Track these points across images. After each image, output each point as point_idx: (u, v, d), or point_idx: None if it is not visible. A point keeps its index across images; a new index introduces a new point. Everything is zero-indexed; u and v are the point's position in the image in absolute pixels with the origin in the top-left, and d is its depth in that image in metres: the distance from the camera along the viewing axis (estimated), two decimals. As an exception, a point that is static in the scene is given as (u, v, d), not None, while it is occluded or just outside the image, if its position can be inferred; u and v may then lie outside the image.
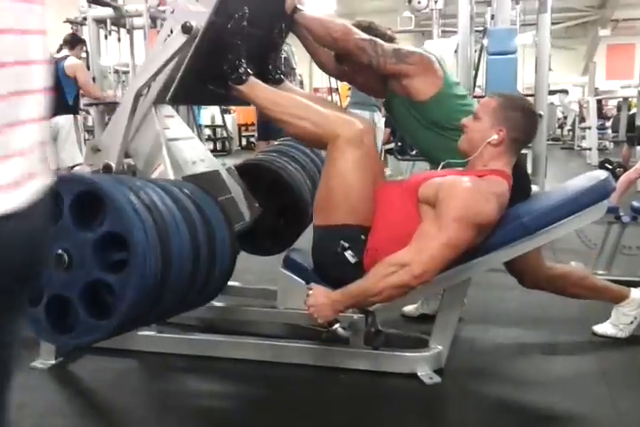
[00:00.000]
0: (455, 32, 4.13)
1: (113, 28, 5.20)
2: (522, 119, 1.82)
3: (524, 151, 2.10)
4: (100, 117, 5.24)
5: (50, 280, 1.58)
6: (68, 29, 5.67)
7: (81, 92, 4.95)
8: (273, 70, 2.13)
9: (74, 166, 4.72)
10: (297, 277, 1.95)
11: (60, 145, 4.95)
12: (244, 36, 1.87)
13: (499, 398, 1.84)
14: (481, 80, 5.27)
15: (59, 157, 4.95)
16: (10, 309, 0.64)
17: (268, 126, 5.57)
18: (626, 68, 17.19)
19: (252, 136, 11.84)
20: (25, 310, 0.74)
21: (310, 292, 1.74)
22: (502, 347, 2.20)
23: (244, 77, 1.88)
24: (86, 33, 5.29)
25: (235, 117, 12.78)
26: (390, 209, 1.82)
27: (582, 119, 11.00)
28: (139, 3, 4.91)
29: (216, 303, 2.29)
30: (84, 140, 5.36)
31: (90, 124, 7.37)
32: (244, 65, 1.88)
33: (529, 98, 2.42)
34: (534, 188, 3.37)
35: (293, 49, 6.15)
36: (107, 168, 1.96)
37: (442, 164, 1.92)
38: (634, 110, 8.92)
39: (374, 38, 1.99)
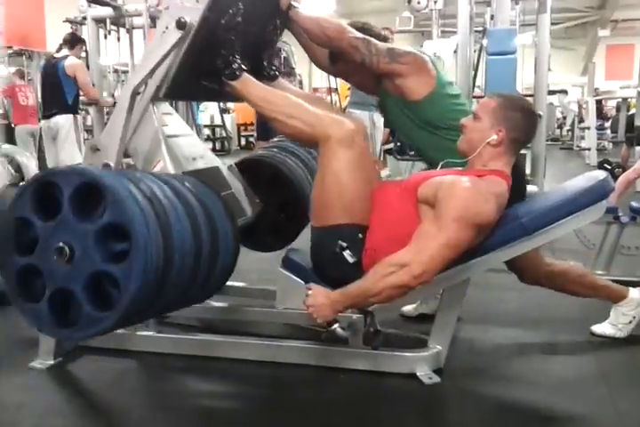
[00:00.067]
0: (455, 32, 4.13)
1: (112, 27, 5.20)
2: (521, 119, 1.82)
3: (523, 151, 2.10)
4: (100, 117, 5.24)
5: (51, 274, 1.58)
6: (67, 29, 5.68)
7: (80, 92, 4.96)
8: (268, 67, 2.13)
9: (73, 166, 4.72)
10: (296, 278, 1.95)
11: (60, 145, 4.95)
12: (239, 32, 1.87)
13: (498, 398, 1.84)
14: (480, 80, 5.27)
15: (58, 156, 4.95)
16: None
17: (267, 126, 5.55)
18: (625, 68, 17.19)
19: (252, 136, 11.83)
20: None
21: (309, 292, 1.74)
22: (501, 347, 2.20)
23: (237, 73, 1.88)
24: (86, 32, 5.29)
25: (234, 117, 12.77)
26: (389, 209, 1.82)
27: (581, 119, 11.01)
28: (138, 2, 4.91)
29: (215, 303, 2.29)
30: (84, 139, 5.37)
31: (89, 123, 7.37)
32: (238, 61, 1.88)
33: (528, 98, 2.42)
34: (533, 188, 3.38)
35: (293, 49, 6.15)
36: (106, 168, 1.96)
37: (441, 163, 1.92)
38: (633, 111, 8.92)
39: (368, 37, 2.00)
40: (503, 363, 2.09)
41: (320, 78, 12.03)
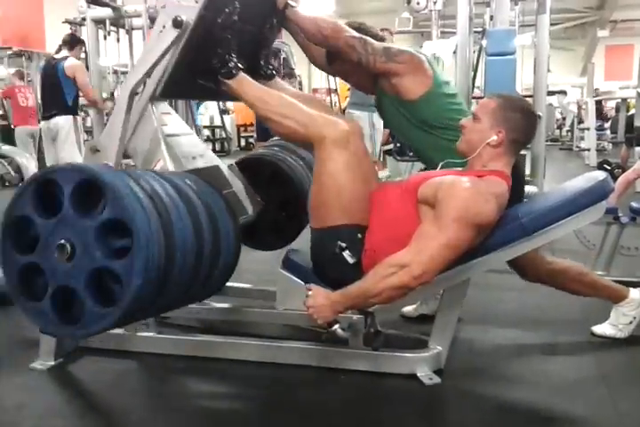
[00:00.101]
0: (454, 33, 4.13)
1: (112, 28, 5.19)
2: (521, 120, 1.82)
3: (522, 152, 2.10)
4: (99, 118, 5.24)
5: (53, 272, 1.58)
6: (67, 30, 5.68)
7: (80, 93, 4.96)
8: (264, 66, 2.14)
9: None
10: (296, 278, 1.95)
11: (60, 146, 4.95)
12: (235, 30, 1.88)
13: (498, 398, 1.84)
14: (480, 81, 5.27)
15: (58, 157, 4.95)
16: None
17: (267, 127, 5.57)
18: (624, 68, 17.20)
19: (251, 137, 11.82)
20: None
21: (309, 293, 1.74)
22: (501, 347, 2.20)
23: (233, 72, 1.89)
24: (85, 33, 5.28)
25: (233, 118, 12.77)
26: (389, 209, 1.82)
27: (580, 120, 11.02)
28: (138, 3, 4.91)
29: (215, 304, 2.29)
30: (84, 140, 5.36)
31: (89, 124, 7.37)
32: (235, 59, 1.89)
33: (527, 99, 2.42)
34: (533, 189, 3.38)
35: (292, 50, 6.15)
36: (106, 168, 1.96)
37: (441, 164, 1.92)
38: (632, 111, 8.93)
39: (364, 37, 2.01)
40: (503, 363, 2.09)
41: (320, 79, 12.04)
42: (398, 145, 4.64)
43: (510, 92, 2.47)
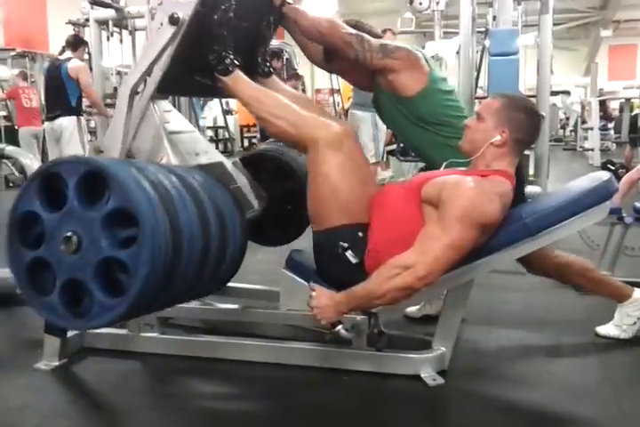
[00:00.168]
0: (457, 33, 4.13)
1: (115, 29, 5.20)
2: (525, 120, 1.82)
3: (526, 152, 2.10)
4: (103, 119, 5.25)
5: (61, 265, 1.59)
6: (70, 31, 5.70)
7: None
8: (262, 63, 2.14)
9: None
10: (300, 279, 1.95)
11: (64, 146, 4.97)
12: (231, 27, 1.88)
13: (502, 399, 1.84)
14: (483, 81, 5.27)
15: (61, 158, 4.95)
16: None
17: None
18: (628, 68, 17.19)
19: (254, 137, 11.83)
20: None
21: (313, 293, 1.74)
22: (505, 348, 2.20)
23: (230, 68, 1.89)
24: (88, 34, 5.29)
25: (236, 119, 12.77)
26: (392, 210, 1.82)
27: (584, 120, 11.00)
28: (141, 4, 4.92)
29: (218, 305, 2.29)
30: (88, 141, 5.38)
31: (92, 125, 7.38)
32: (231, 56, 1.89)
33: (531, 99, 2.42)
34: (536, 189, 3.37)
35: (295, 50, 6.16)
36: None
37: (444, 164, 1.92)
38: (636, 111, 8.91)
39: (361, 33, 2.03)
40: (507, 364, 2.09)
41: (322, 79, 12.04)
42: (401, 145, 4.65)
43: (513, 93, 2.47)
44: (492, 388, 1.90)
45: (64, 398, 1.90)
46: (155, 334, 2.14)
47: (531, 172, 3.74)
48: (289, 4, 2.06)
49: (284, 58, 7.39)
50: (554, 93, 8.65)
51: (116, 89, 6.04)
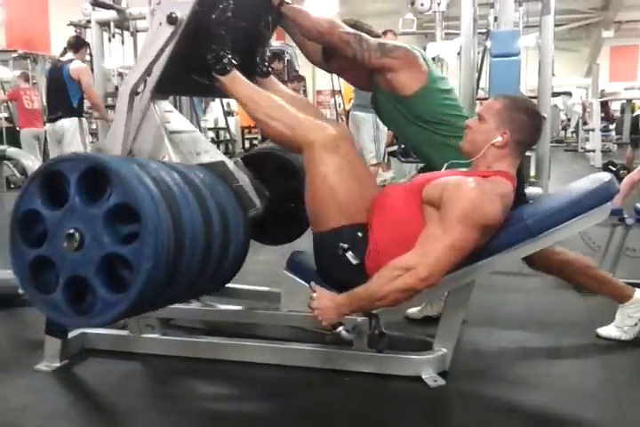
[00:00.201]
0: (458, 34, 4.13)
1: (116, 30, 5.22)
2: (526, 121, 1.81)
3: (527, 153, 2.10)
4: (104, 121, 5.26)
5: (63, 262, 1.59)
6: (72, 32, 5.71)
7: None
8: (260, 63, 2.14)
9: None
10: (301, 280, 1.95)
11: (65, 148, 4.97)
12: (229, 27, 1.88)
13: (503, 401, 1.84)
14: (484, 82, 5.27)
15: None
16: None
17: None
18: (629, 69, 17.18)
19: (255, 138, 11.85)
20: None
21: (314, 295, 1.74)
22: (506, 350, 2.19)
23: (227, 68, 1.89)
24: (90, 36, 5.31)
25: (238, 120, 12.77)
26: (393, 211, 1.82)
27: (585, 121, 10.99)
28: (142, 5, 4.93)
29: (219, 306, 2.29)
30: (90, 142, 5.39)
31: (94, 127, 7.39)
32: (229, 56, 1.89)
33: (532, 100, 2.42)
34: (538, 190, 3.37)
35: (296, 51, 6.16)
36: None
37: (446, 164, 1.92)
38: (637, 112, 8.90)
39: (359, 33, 2.03)
40: (508, 366, 2.08)
41: (324, 80, 12.04)
42: (402, 146, 4.65)
43: (515, 94, 2.47)
44: (493, 389, 1.90)
45: (65, 399, 1.90)
46: (156, 336, 2.14)
47: (532, 173, 3.74)
48: (287, 3, 2.06)
49: (286, 59, 7.40)
50: (555, 94, 8.65)
51: (117, 88, 6.06)
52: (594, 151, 9.18)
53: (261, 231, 2.34)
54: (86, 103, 5.26)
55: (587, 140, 10.39)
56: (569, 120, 14.63)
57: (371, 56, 2.01)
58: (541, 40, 3.64)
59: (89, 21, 5.19)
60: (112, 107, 5.03)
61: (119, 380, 1.98)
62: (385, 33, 4.59)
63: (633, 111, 9.52)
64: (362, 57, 2.01)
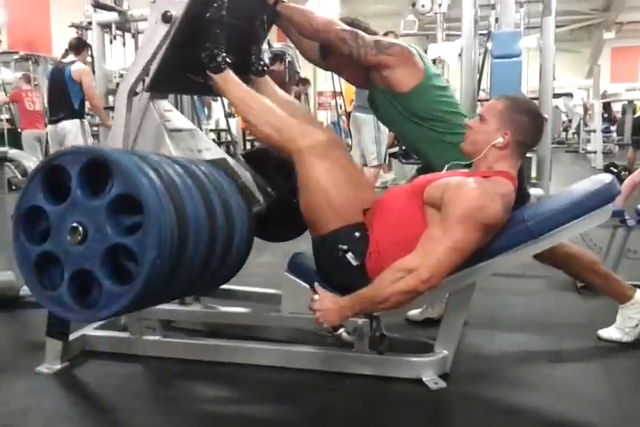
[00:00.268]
0: (459, 35, 4.13)
1: (118, 32, 5.23)
2: (528, 122, 1.81)
3: (528, 155, 2.10)
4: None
5: (68, 257, 1.59)
6: (73, 33, 5.72)
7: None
8: (256, 62, 2.14)
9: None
10: (302, 282, 1.95)
11: (66, 149, 4.97)
12: (224, 25, 1.88)
13: (504, 403, 1.83)
14: (485, 84, 5.27)
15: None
16: None
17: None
18: (630, 70, 17.16)
19: (256, 140, 11.85)
20: None
21: (316, 297, 1.73)
22: (508, 352, 2.19)
23: (222, 66, 1.89)
24: (91, 37, 5.31)
25: (239, 121, 12.76)
26: (394, 212, 1.82)
27: (586, 123, 10.99)
28: (143, 7, 4.94)
29: (221, 308, 2.29)
30: (91, 144, 5.39)
31: (96, 128, 7.40)
32: (223, 54, 1.89)
33: (533, 101, 2.42)
34: (539, 191, 3.37)
35: (297, 53, 6.16)
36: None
37: (447, 166, 1.92)
38: (639, 113, 8.90)
39: (355, 30, 2.03)
40: (509, 368, 2.08)
41: (325, 82, 12.03)
42: (403, 148, 4.64)
43: (516, 95, 2.47)
44: (495, 391, 1.90)
45: (66, 401, 1.90)
46: (157, 338, 2.13)
47: (533, 174, 3.74)
48: (283, 1, 2.06)
49: (287, 60, 7.40)
50: (556, 96, 8.65)
51: (118, 85, 6.07)
52: (595, 152, 9.18)
53: (264, 228, 2.34)
54: (88, 105, 5.27)
55: (588, 141, 10.38)
56: (570, 121, 14.61)
57: (367, 53, 2.01)
58: (542, 41, 3.64)
59: (90, 23, 5.20)
60: (113, 108, 5.04)
61: (120, 382, 1.98)
62: (386, 34, 4.59)
63: (634, 112, 9.53)
64: (358, 54, 2.01)
